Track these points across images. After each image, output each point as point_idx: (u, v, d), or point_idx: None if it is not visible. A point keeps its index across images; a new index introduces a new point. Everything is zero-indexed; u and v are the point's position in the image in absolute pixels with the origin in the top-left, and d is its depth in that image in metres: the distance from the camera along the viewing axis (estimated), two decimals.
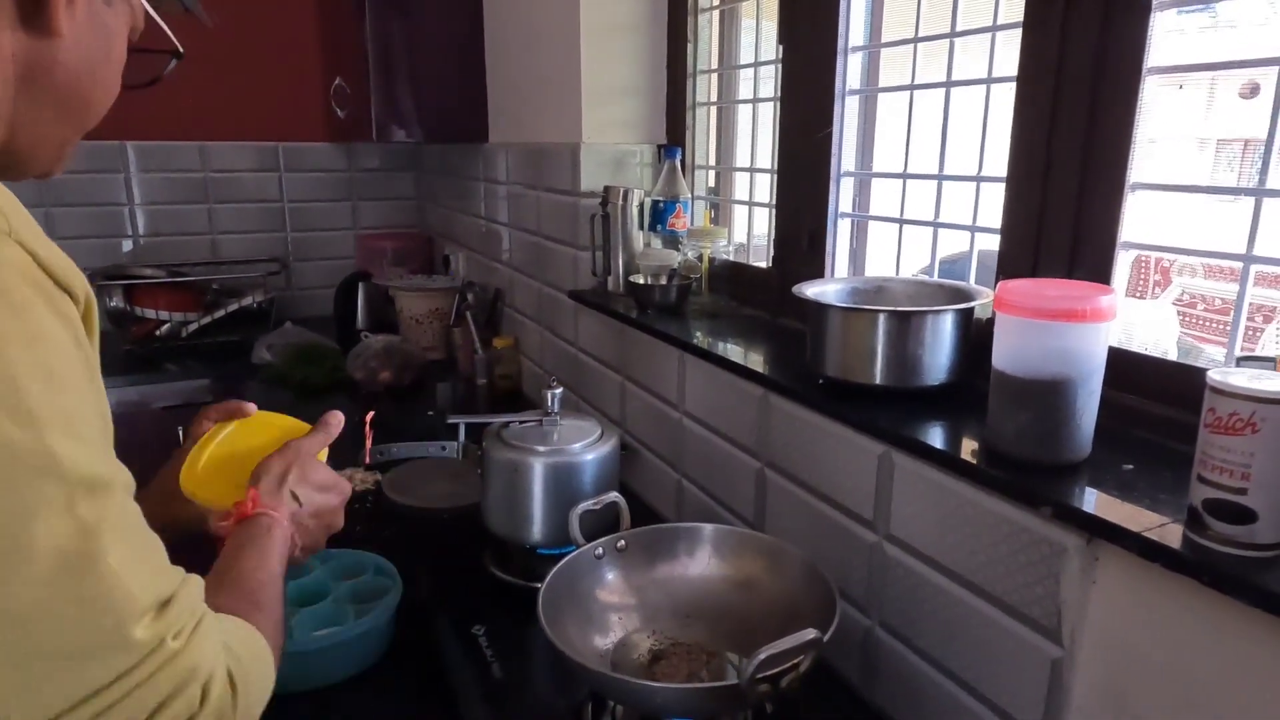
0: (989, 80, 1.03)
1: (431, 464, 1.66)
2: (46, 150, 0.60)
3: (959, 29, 1.07)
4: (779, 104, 1.35)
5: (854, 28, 1.23)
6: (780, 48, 1.33)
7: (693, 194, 1.64)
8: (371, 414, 1.03)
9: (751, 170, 1.52)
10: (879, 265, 1.33)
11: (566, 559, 0.84)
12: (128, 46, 0.64)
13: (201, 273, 2.69)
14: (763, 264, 1.50)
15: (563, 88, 1.67)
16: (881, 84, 1.28)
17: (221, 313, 2.58)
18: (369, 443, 1.02)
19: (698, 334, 1.31)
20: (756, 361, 1.16)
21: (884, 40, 1.24)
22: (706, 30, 1.62)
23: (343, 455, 1.61)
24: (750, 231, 1.55)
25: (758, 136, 1.51)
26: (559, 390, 1.10)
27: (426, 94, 2.15)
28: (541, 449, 1.05)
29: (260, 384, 2.26)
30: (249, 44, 2.72)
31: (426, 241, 2.99)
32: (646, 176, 1.70)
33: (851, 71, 1.24)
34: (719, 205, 1.70)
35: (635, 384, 1.52)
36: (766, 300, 1.41)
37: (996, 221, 1.02)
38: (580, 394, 1.77)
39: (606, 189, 1.60)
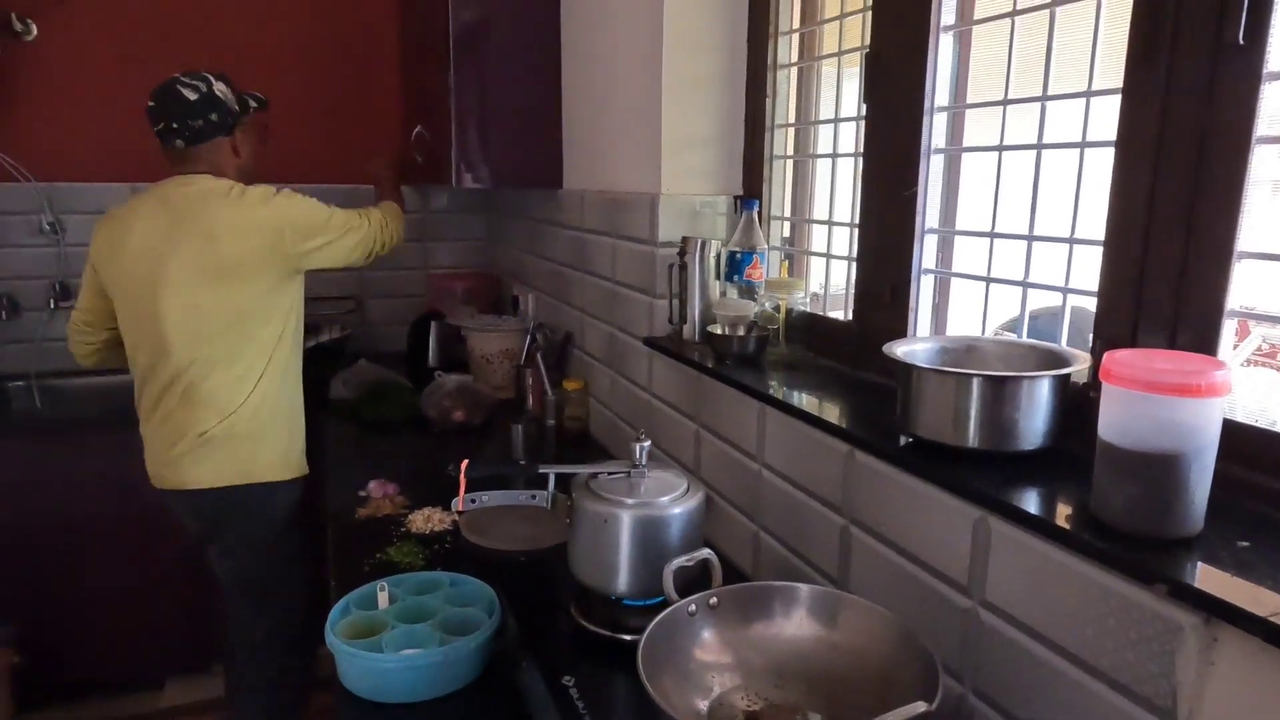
0: (1083, 144, 1.03)
1: (507, 506, 1.69)
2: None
3: (1051, 92, 1.07)
4: (861, 160, 1.37)
5: (939, 86, 1.25)
6: (863, 105, 1.35)
7: (768, 245, 1.66)
8: (466, 462, 1.05)
9: (829, 223, 1.53)
10: (961, 321, 1.33)
11: (662, 616, 0.85)
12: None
13: None
14: (840, 315, 1.51)
15: (642, 139, 1.72)
16: (966, 142, 1.29)
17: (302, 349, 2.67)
18: (462, 490, 1.05)
19: (778, 386, 1.32)
20: (841, 416, 1.16)
21: (970, 100, 1.26)
22: (785, 85, 1.65)
23: (435, 499, 1.66)
24: (827, 283, 1.56)
25: (836, 190, 1.53)
26: (647, 444, 1.12)
27: (505, 141, 2.22)
28: (630, 501, 1.07)
29: (336, 419, 2.33)
30: (338, 95, 2.86)
31: (496, 281, 3.06)
32: (721, 226, 1.72)
33: (936, 129, 1.26)
34: (793, 256, 1.72)
35: (711, 432, 1.53)
36: (845, 353, 1.42)
37: (1087, 282, 1.02)
38: (652, 439, 1.78)
39: (684, 239, 1.63)
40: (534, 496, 1.12)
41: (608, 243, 1.94)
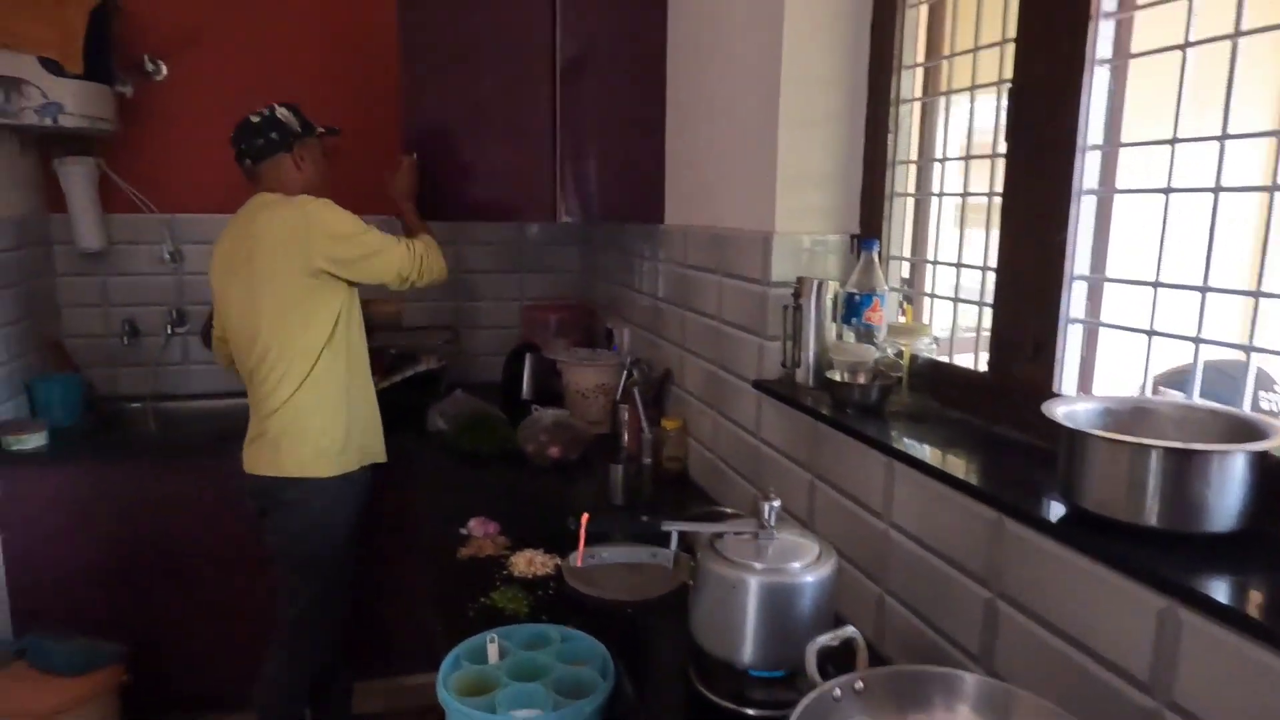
0: (1275, 188, 0.93)
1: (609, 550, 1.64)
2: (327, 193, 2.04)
3: (1230, 130, 0.98)
4: (1001, 200, 1.28)
5: (1093, 123, 1.16)
6: (1006, 143, 1.26)
7: (888, 287, 1.58)
8: (587, 516, 1.01)
9: (959, 265, 1.45)
10: (1110, 375, 1.23)
11: (808, 702, 0.78)
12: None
13: (382, 338, 2.84)
14: (968, 362, 1.42)
15: (754, 176, 1.67)
16: (1119, 183, 1.19)
17: (399, 377, 2.71)
18: (581, 546, 1.00)
19: (908, 440, 1.24)
20: (982, 477, 1.07)
21: (1124, 139, 1.16)
22: (907, 121, 1.58)
23: (536, 541, 1.63)
24: (954, 329, 1.47)
25: (966, 231, 1.45)
26: (776, 504, 1.05)
27: (607, 175, 2.21)
28: (759, 566, 1.01)
29: (433, 450, 2.34)
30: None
31: (589, 313, 3.05)
32: (835, 266, 1.66)
33: (1088, 169, 1.17)
34: (912, 299, 1.64)
35: (828, 483, 1.45)
36: (979, 405, 1.32)
37: (1270, 339, 0.92)
38: (758, 485, 1.71)
39: (800, 280, 1.57)
40: (655, 555, 1.07)
41: (713, 280, 1.89)
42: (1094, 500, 0.90)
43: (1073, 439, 0.92)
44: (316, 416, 1.95)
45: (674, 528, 1.06)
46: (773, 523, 1.04)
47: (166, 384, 2.85)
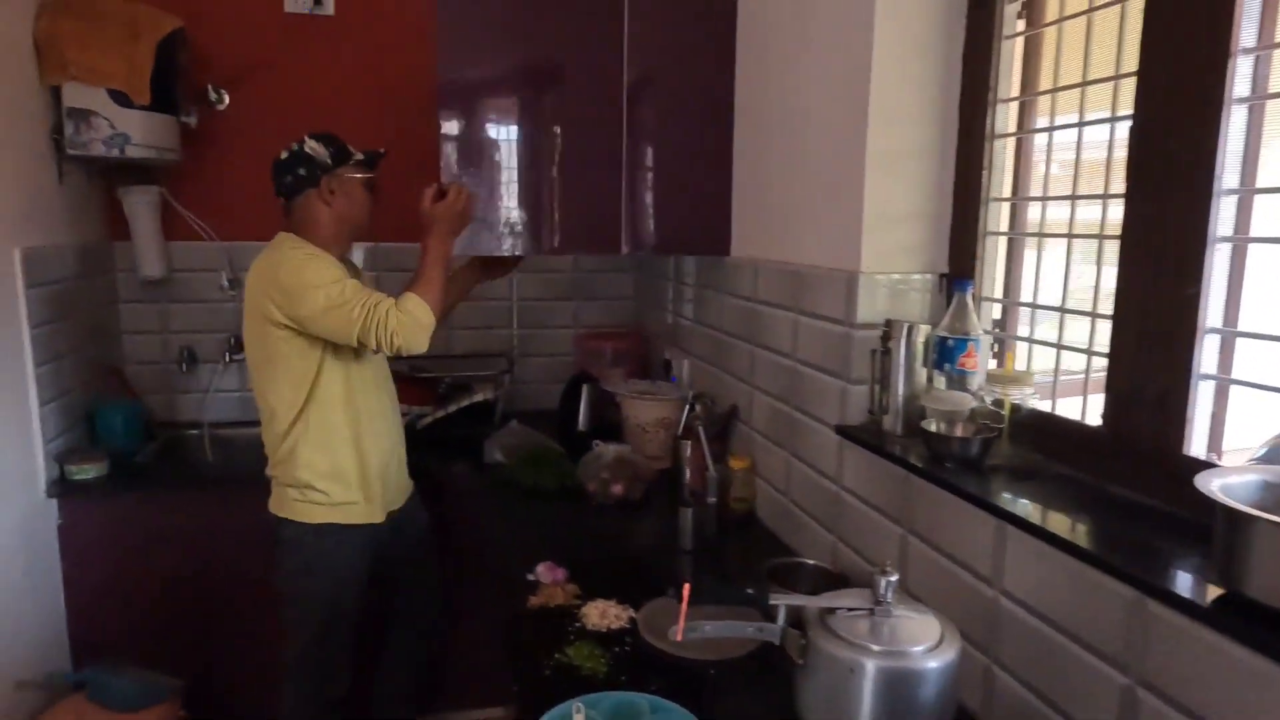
0: None
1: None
2: (354, 240, 2.02)
3: None
4: (1120, 244, 1.20)
5: (1228, 165, 1.08)
6: (1126, 183, 1.19)
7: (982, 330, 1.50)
8: (689, 587, 0.95)
9: (1063, 310, 1.36)
10: (1241, 436, 1.14)
11: None
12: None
13: (436, 368, 2.82)
14: (1074, 414, 1.33)
15: (837, 213, 1.60)
16: (1254, 229, 1.10)
17: (454, 407, 2.68)
18: (683, 619, 0.94)
19: (1021, 501, 1.16)
20: (1106, 544, 0.99)
21: (1259, 183, 1.08)
22: (1000, 156, 1.51)
23: (607, 589, 1.57)
24: (1056, 378, 1.38)
25: (1071, 272, 1.36)
26: (894, 578, 0.98)
27: (673, 206, 2.16)
28: (876, 648, 0.93)
29: (491, 484, 2.30)
30: None
31: (644, 342, 2.99)
32: (921, 307, 1.58)
33: (1223, 215, 1.08)
34: (1004, 343, 1.56)
35: (923, 540, 1.37)
36: (1093, 462, 1.24)
37: None
38: (838, 534, 1.64)
39: (889, 323, 1.50)
40: (760, 629, 1.00)
41: (787, 318, 1.83)
42: (1261, 588, 0.81)
43: (1233, 519, 0.83)
44: (303, 466, 1.87)
45: (782, 601, 0.99)
46: (890, 599, 0.97)
47: (223, 411, 2.85)
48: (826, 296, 1.65)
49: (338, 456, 1.89)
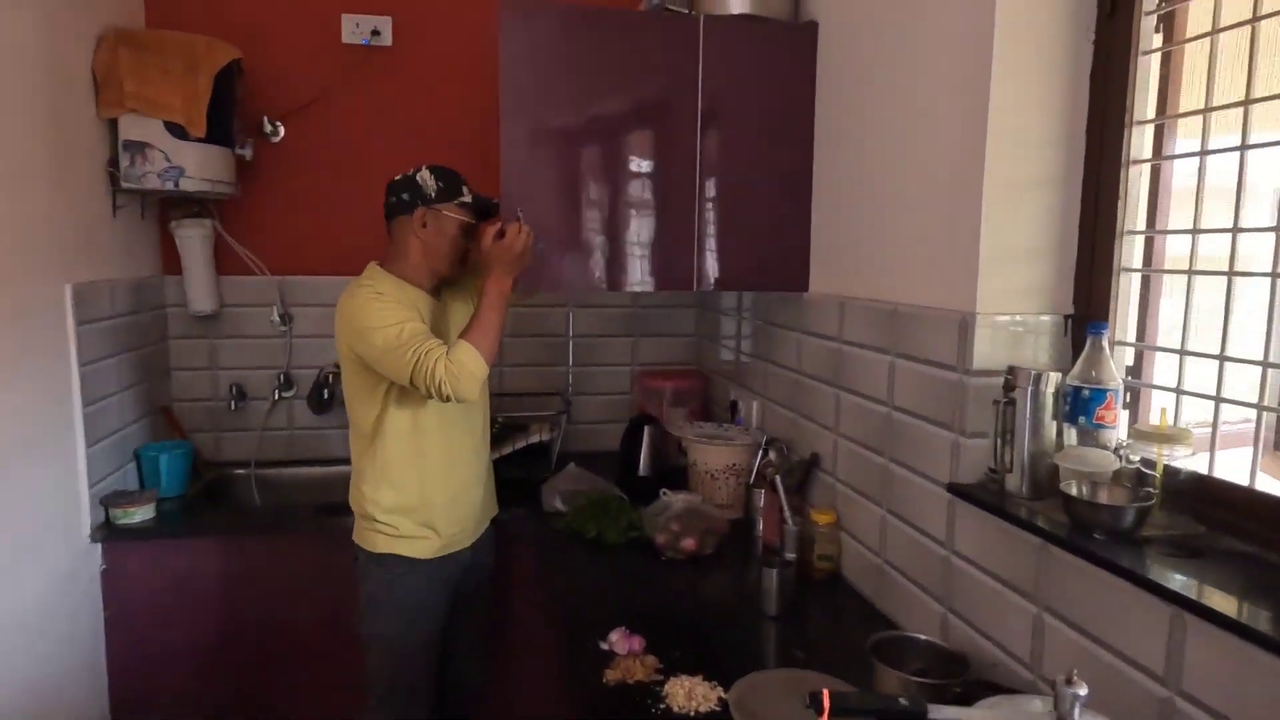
0: None
1: (779, 680, 1.42)
2: (442, 274, 1.90)
3: None
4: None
5: None
6: None
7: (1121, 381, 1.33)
8: (828, 693, 0.79)
9: (1221, 358, 1.20)
10: None
11: None
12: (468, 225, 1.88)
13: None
14: (1238, 476, 1.16)
15: (949, 248, 1.45)
16: None
17: (509, 449, 2.55)
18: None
19: (1196, 583, 0.99)
20: None
21: None
22: (1136, 185, 1.35)
23: (689, 663, 1.42)
24: (1214, 437, 1.21)
25: (1231, 313, 1.20)
26: (1082, 692, 0.81)
27: (748, 240, 2.02)
28: None
29: (553, 534, 2.16)
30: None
31: (705, 381, 2.85)
32: (1044, 351, 1.42)
33: None
34: (1139, 393, 1.39)
35: (1064, 621, 1.20)
36: (1269, 536, 1.06)
37: None
38: (949, 605, 1.47)
39: (1013, 370, 1.34)
40: None
41: (882, 360, 1.67)
42: None
43: None
44: (368, 499, 1.88)
45: (941, 716, 0.83)
46: (1076, 716, 0.80)
47: (271, 450, 2.76)
48: (933, 339, 1.49)
49: (401, 491, 1.87)
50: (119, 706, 2.19)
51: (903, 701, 0.82)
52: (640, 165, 1.97)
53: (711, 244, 2.01)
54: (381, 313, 1.74)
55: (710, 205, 1.99)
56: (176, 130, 2.27)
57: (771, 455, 2.12)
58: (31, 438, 1.88)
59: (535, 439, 2.59)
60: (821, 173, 1.97)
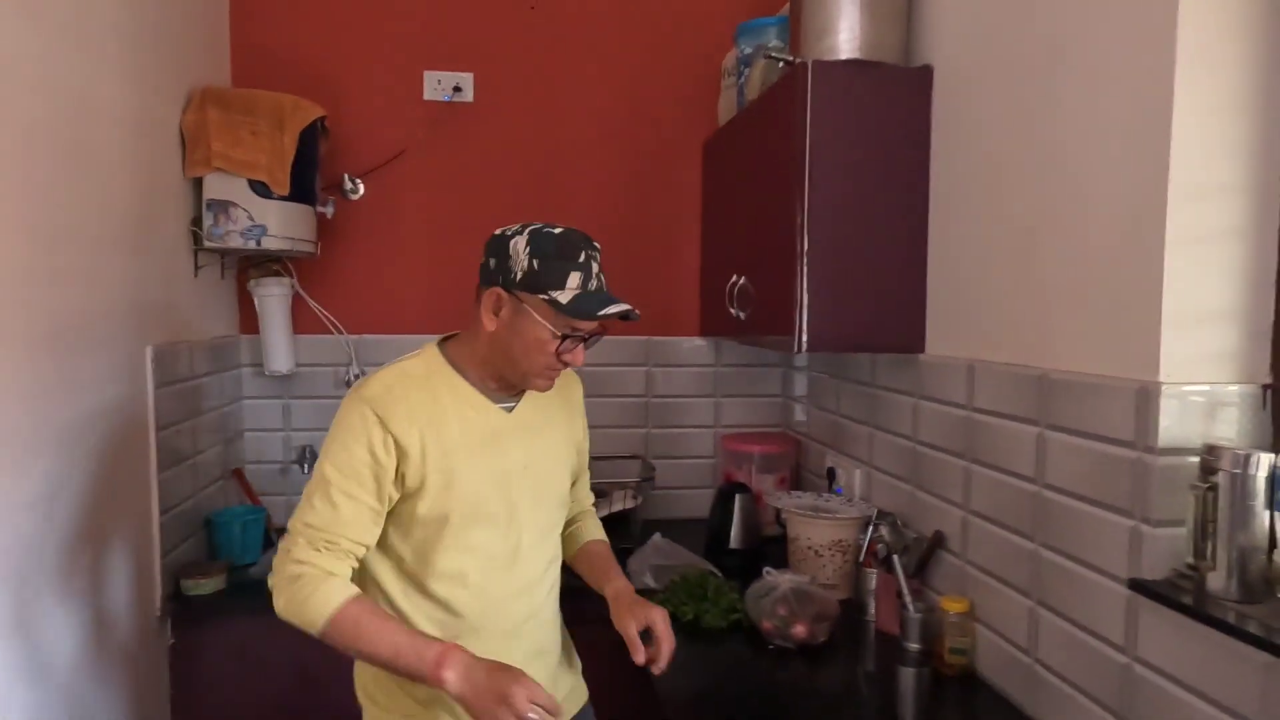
0: None
1: None
2: (510, 379, 1.40)
3: None
4: None
5: None
6: None
7: None
8: None
9: None
10: None
11: None
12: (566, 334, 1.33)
13: None
14: None
15: (1117, 307, 1.29)
16: None
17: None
18: None
19: None
20: None
21: None
22: None
23: None
24: None
25: None
26: None
27: (857, 298, 1.87)
28: None
29: None
30: (644, 254, 2.70)
31: (795, 445, 2.68)
32: (1237, 426, 1.23)
33: None
34: None
35: None
36: None
37: None
38: None
39: (1213, 450, 1.15)
40: None
41: (1028, 433, 1.50)
42: None
43: None
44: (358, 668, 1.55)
45: None
46: None
47: None
48: (1100, 411, 1.32)
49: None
50: None
51: None
52: (743, 219, 1.86)
53: (815, 302, 1.86)
54: (337, 442, 1.31)
55: (812, 260, 1.85)
56: (260, 189, 2.23)
57: (884, 531, 1.94)
58: (109, 507, 1.80)
59: (618, 507, 2.44)
60: (941, 226, 1.82)
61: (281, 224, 2.28)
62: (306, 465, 2.61)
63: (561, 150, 2.69)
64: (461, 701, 1.21)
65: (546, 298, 1.30)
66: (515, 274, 1.31)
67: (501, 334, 1.35)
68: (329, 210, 2.46)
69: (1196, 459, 1.18)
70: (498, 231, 1.37)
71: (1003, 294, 1.59)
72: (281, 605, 1.31)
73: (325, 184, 2.48)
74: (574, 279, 1.30)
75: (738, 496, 2.36)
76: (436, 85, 2.61)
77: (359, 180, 2.58)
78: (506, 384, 1.42)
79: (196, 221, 2.25)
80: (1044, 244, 1.47)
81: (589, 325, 1.34)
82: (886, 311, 1.89)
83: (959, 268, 1.75)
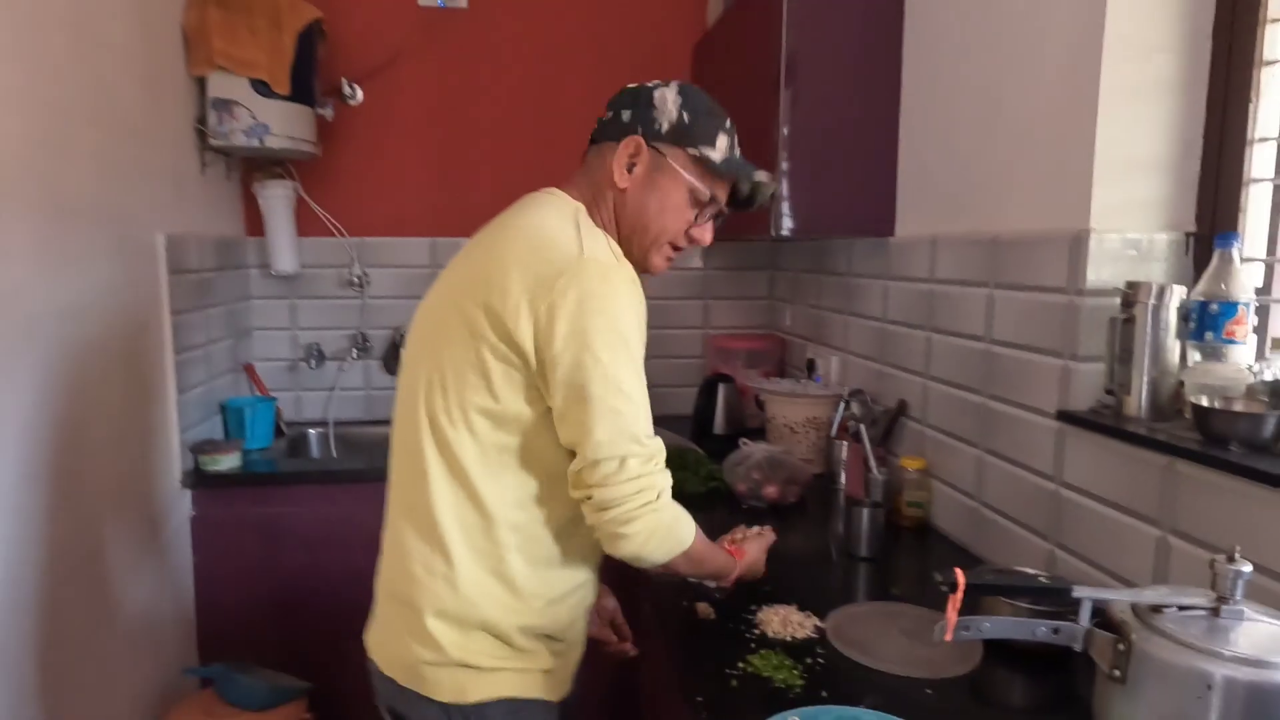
0: None
1: (877, 611, 1.37)
2: (628, 250, 1.16)
3: None
4: None
5: None
6: None
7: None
8: (962, 575, 0.75)
9: None
10: None
11: None
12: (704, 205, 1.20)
13: None
14: None
15: (1059, 165, 1.38)
16: None
17: None
18: (954, 613, 0.74)
19: None
20: None
21: None
22: (1271, 88, 1.26)
23: (779, 595, 1.39)
24: None
25: None
26: (1245, 569, 0.75)
27: (832, 184, 1.97)
28: (1227, 653, 0.71)
29: None
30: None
31: (781, 343, 2.80)
32: (1163, 270, 1.34)
33: None
34: (1267, 312, 1.30)
35: (1195, 543, 1.12)
36: None
37: None
38: (1057, 540, 1.40)
39: (1132, 286, 1.26)
40: (1056, 630, 0.79)
41: (978, 294, 1.61)
42: None
43: None
44: (504, 600, 1.22)
45: (1087, 595, 0.78)
46: (1239, 596, 0.74)
47: (347, 410, 2.80)
48: (1039, 263, 1.43)
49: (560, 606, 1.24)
50: (206, 648, 2.24)
51: (1044, 580, 0.77)
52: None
53: (792, 189, 1.96)
54: (630, 343, 1.06)
55: (788, 149, 1.94)
56: (262, 88, 2.31)
57: (854, 407, 2.06)
58: (129, 380, 1.93)
59: None
60: (911, 110, 1.91)
61: (283, 123, 2.37)
62: (314, 361, 2.74)
63: (554, 55, 2.75)
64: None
65: (697, 153, 1.17)
66: (661, 125, 1.17)
67: (634, 193, 1.17)
68: (328, 113, 2.54)
69: (1119, 299, 1.29)
70: (630, 85, 1.23)
71: (963, 165, 1.69)
72: (641, 538, 1.06)
73: (324, 88, 2.56)
74: (723, 140, 1.19)
75: (721, 385, 2.49)
76: None
77: (357, 85, 2.66)
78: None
79: (201, 121, 2.34)
80: (998, 112, 1.56)
81: (728, 195, 1.23)
82: (861, 196, 1.99)
83: (926, 147, 1.84)
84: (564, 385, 1.03)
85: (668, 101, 1.18)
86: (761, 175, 1.23)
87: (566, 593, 1.19)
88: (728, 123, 1.22)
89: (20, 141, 1.53)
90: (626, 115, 1.20)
